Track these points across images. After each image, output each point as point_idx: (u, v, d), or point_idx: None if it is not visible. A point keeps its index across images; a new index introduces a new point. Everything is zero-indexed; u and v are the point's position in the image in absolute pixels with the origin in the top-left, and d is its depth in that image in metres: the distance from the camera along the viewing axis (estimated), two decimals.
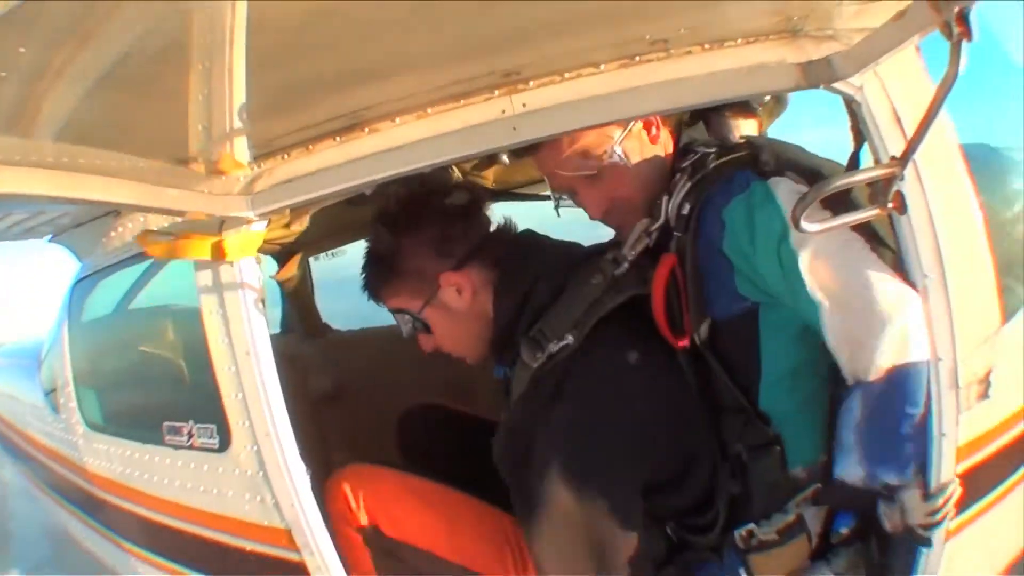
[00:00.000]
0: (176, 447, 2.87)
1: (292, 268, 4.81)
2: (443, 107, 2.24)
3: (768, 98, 2.73)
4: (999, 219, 2.54)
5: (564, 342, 2.49)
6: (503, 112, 2.19)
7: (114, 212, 3.20)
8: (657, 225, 2.56)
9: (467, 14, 1.92)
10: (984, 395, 2.35)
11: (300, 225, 3.06)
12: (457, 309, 2.79)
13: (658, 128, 2.63)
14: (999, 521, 2.58)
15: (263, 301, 2.49)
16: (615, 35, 2.13)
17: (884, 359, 2.20)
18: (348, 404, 4.94)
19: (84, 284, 3.67)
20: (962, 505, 2.40)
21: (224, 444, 2.61)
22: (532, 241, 2.92)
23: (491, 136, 2.21)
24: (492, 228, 2.95)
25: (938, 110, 1.79)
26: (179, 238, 2.39)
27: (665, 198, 2.53)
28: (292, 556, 2.56)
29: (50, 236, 3.98)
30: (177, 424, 2.85)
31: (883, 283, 2.23)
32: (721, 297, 2.47)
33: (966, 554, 2.50)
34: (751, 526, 2.43)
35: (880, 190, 2.09)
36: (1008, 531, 2.69)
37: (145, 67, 2.02)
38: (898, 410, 2.24)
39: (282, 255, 4.69)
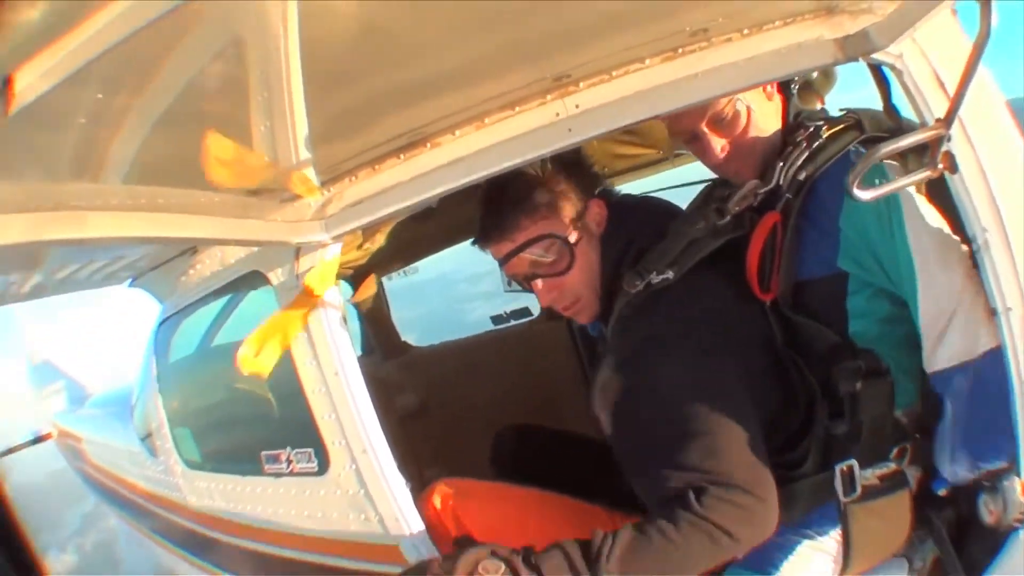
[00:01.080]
0: (276, 475, 3.02)
1: (367, 290, 4.97)
2: (499, 116, 2.36)
3: (816, 74, 2.81)
4: None
5: (664, 275, 2.64)
6: (557, 115, 2.31)
7: (190, 251, 3.37)
8: (767, 189, 2.70)
9: (512, 22, 2.07)
10: None
11: (373, 244, 3.20)
12: (596, 237, 2.89)
13: (773, 87, 2.77)
14: None
15: (345, 319, 2.65)
16: (657, 30, 2.22)
17: (985, 342, 2.30)
18: (434, 419, 5.13)
19: (168, 325, 3.84)
20: None
21: (323, 466, 2.75)
22: (634, 197, 3.13)
23: (547, 140, 2.33)
24: None
25: (975, 68, 1.87)
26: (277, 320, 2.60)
27: (780, 164, 2.67)
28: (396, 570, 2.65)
29: (130, 280, 4.16)
30: (275, 452, 3.00)
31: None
32: (814, 262, 2.62)
33: None
34: (852, 462, 2.48)
35: (929, 153, 2.18)
36: None
37: (207, 102, 2.20)
38: (998, 391, 2.30)
39: (356, 278, 4.86)
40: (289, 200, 2.51)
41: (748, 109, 2.69)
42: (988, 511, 2.38)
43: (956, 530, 2.59)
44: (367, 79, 2.22)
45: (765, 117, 2.74)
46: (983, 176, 2.24)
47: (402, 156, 2.47)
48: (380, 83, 2.25)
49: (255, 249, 2.84)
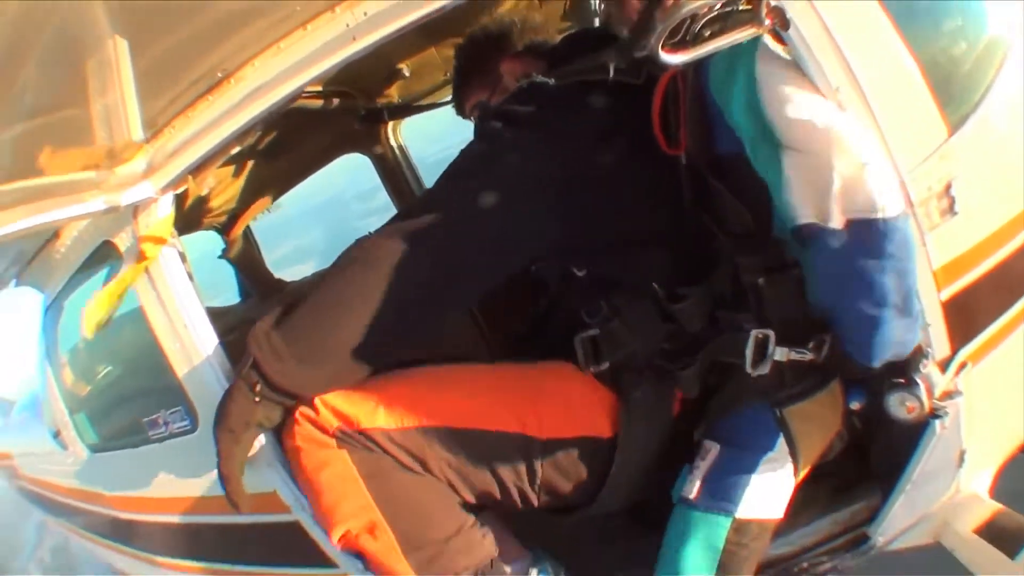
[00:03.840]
0: (160, 440, 3.04)
1: (236, 237, 5.10)
2: (293, 38, 2.42)
3: None
4: (926, 27, 2.44)
5: (547, 80, 2.61)
6: (347, 26, 2.36)
7: (54, 236, 3.38)
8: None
9: None
10: (950, 211, 2.30)
11: (229, 191, 3.24)
12: None
13: None
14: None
15: (190, 274, 2.69)
16: None
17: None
18: None
19: (51, 313, 3.85)
20: (966, 335, 2.40)
21: (194, 423, 2.80)
22: (581, 35, 3.46)
23: (335, 52, 2.39)
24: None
25: None
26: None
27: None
28: (287, 518, 2.71)
29: (15, 281, 4.16)
30: (152, 417, 3.03)
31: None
32: (726, 136, 2.39)
33: (984, 391, 2.47)
34: (769, 332, 2.37)
35: (754, 8, 2.06)
36: None
37: (47, 91, 2.35)
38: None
39: (225, 226, 4.94)
40: (120, 164, 2.58)
41: None
42: (905, 408, 2.30)
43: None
44: (168, 34, 2.39)
45: None
46: (827, 32, 2.17)
47: (210, 97, 2.54)
48: (180, 33, 2.38)
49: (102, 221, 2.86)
